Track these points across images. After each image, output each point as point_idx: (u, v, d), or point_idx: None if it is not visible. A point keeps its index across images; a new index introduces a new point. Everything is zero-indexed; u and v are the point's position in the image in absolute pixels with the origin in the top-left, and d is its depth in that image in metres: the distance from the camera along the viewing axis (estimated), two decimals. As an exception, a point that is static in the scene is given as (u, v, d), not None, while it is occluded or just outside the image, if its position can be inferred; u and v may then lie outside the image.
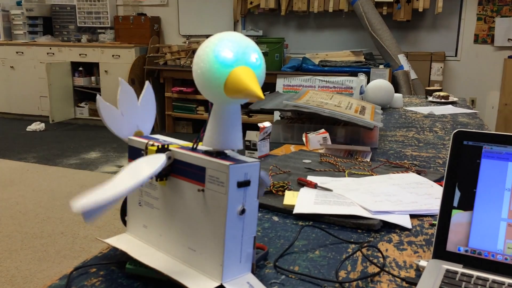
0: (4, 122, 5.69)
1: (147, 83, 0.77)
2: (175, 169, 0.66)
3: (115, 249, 0.75)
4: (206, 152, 0.64)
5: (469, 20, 4.47)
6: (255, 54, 0.60)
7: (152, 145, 0.68)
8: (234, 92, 0.57)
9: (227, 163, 0.59)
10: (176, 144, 0.70)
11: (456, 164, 0.70)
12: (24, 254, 2.37)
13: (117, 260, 0.71)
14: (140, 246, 0.71)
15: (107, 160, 4.12)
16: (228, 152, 0.65)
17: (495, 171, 0.68)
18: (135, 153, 0.72)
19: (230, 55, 0.58)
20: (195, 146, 0.66)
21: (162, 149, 0.67)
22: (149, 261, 0.65)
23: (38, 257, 2.34)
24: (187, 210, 0.64)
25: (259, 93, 0.55)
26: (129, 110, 0.74)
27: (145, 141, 0.70)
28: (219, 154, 0.63)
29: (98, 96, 0.71)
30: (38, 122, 5.33)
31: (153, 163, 0.62)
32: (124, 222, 0.77)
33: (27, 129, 5.21)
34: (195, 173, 0.63)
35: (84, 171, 3.79)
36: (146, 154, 0.67)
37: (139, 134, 0.76)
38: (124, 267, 0.68)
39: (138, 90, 5.38)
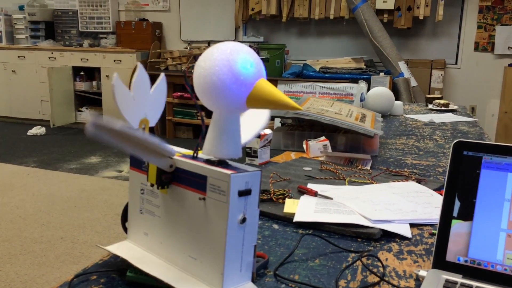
0: (5, 126, 5.70)
1: (162, 74, 0.78)
2: (177, 177, 0.66)
3: (115, 256, 0.75)
4: (208, 161, 0.64)
5: (469, 28, 4.49)
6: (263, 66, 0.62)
7: (154, 153, 0.68)
8: (263, 103, 0.59)
9: (229, 172, 0.59)
10: (178, 152, 0.70)
11: (456, 174, 0.70)
12: (23, 258, 2.37)
13: (118, 268, 0.71)
14: (141, 253, 0.71)
15: (107, 165, 4.12)
16: (229, 161, 0.65)
17: (495, 181, 0.68)
18: (137, 160, 0.73)
19: (253, 68, 0.59)
20: (195, 154, 0.67)
21: (164, 157, 0.67)
22: (150, 269, 0.65)
23: (38, 262, 2.34)
24: (188, 218, 0.65)
25: (296, 104, 0.57)
26: (141, 96, 0.74)
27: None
28: (221, 162, 0.64)
29: (115, 74, 0.71)
30: (39, 126, 5.33)
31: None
32: (125, 229, 0.77)
33: (28, 133, 5.22)
34: (197, 182, 0.63)
35: (84, 175, 3.79)
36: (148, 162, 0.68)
37: (144, 122, 0.76)
38: (124, 275, 0.68)
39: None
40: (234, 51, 0.60)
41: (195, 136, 5.16)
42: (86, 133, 0.52)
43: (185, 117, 5.03)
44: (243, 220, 0.61)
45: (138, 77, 0.74)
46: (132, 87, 0.73)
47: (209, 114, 0.79)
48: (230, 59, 0.60)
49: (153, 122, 0.76)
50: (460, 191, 0.69)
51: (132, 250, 0.72)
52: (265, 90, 0.59)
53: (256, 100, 0.59)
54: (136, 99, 0.73)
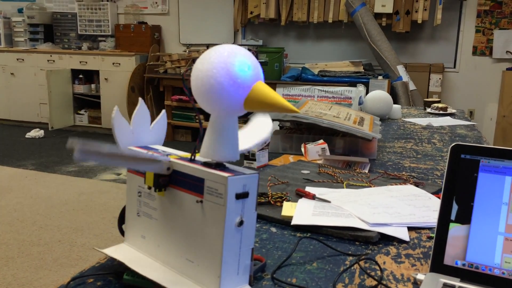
0: (3, 129, 5.69)
1: (163, 111, 0.79)
2: (174, 180, 0.66)
3: (112, 259, 0.74)
4: (205, 164, 0.64)
5: (467, 32, 4.50)
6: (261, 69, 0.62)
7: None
8: (261, 106, 0.59)
9: (226, 175, 0.59)
10: (175, 154, 0.70)
11: (453, 178, 0.70)
12: (21, 261, 2.36)
13: (115, 271, 0.70)
14: (138, 256, 0.71)
15: (106, 167, 4.11)
16: (227, 163, 0.65)
17: (493, 185, 0.68)
18: (134, 163, 0.73)
19: (250, 70, 0.59)
20: (193, 157, 0.67)
21: (161, 160, 0.67)
22: (147, 272, 0.65)
23: (35, 265, 2.33)
24: (185, 221, 0.65)
25: (294, 107, 0.57)
26: (141, 131, 0.75)
27: (145, 151, 0.70)
28: (218, 165, 0.63)
29: (116, 108, 0.71)
30: (38, 129, 5.32)
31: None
32: (122, 232, 0.77)
33: (26, 136, 5.21)
34: (194, 184, 0.63)
35: (82, 178, 3.78)
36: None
37: None
38: (121, 278, 0.67)
39: (138, 98, 5.39)
40: (231, 54, 0.60)
41: (193, 139, 5.16)
42: (75, 159, 0.53)
43: (184, 120, 5.03)
44: (241, 223, 0.61)
45: (139, 113, 0.75)
46: (132, 122, 0.74)
47: (207, 117, 0.79)
48: (227, 61, 0.59)
49: None
50: (458, 194, 0.69)
51: (129, 253, 0.72)
52: (262, 93, 0.59)
53: (253, 103, 0.59)
54: (135, 134, 0.74)
